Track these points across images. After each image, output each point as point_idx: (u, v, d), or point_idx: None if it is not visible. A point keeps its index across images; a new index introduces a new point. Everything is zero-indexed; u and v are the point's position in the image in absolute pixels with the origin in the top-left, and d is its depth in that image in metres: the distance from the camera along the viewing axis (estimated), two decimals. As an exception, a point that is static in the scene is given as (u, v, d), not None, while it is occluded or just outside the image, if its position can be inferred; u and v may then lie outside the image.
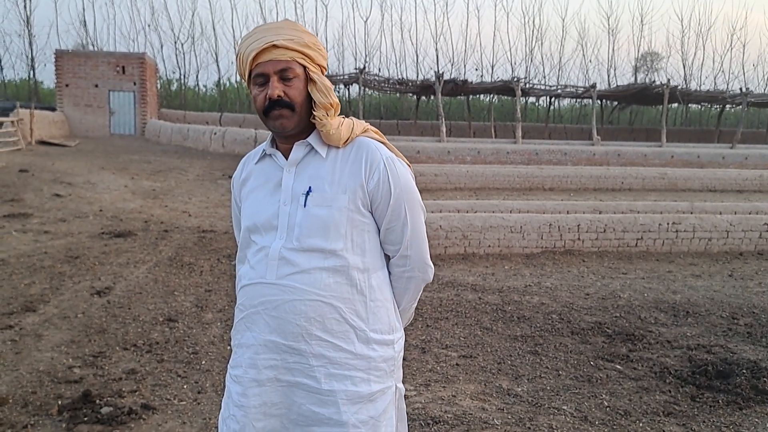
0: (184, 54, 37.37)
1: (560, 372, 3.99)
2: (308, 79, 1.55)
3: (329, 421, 1.53)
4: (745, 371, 3.96)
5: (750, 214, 9.54)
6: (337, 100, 1.59)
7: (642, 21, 45.50)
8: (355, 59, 33.49)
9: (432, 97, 27.17)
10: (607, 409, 3.46)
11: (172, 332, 4.49)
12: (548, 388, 3.73)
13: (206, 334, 4.49)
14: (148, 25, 38.55)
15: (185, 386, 3.60)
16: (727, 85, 31.95)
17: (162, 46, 34.63)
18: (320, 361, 1.54)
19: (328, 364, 1.54)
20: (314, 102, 1.55)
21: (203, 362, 3.97)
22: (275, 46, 1.50)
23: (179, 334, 4.45)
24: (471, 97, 28.33)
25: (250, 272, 1.61)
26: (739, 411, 3.46)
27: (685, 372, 4.01)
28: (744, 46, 41.11)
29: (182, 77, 33.46)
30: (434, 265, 1.73)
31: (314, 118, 1.55)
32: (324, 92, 1.55)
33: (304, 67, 1.55)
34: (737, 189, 14.79)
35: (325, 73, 1.64)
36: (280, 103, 1.52)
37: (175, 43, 33.12)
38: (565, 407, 3.46)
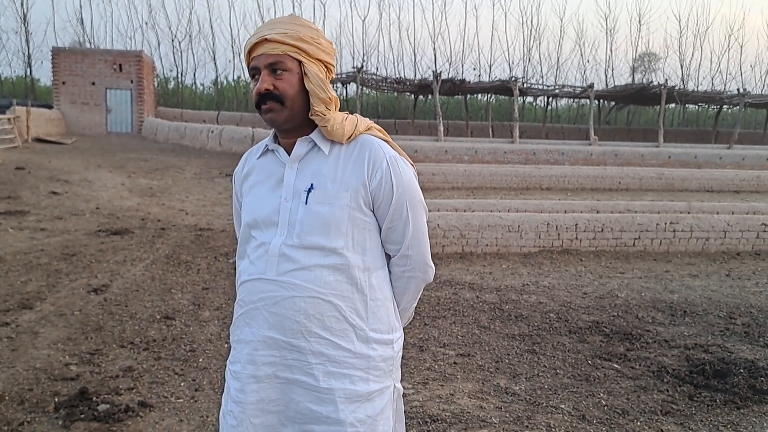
0: (181, 52, 37.31)
1: (558, 371, 3.99)
2: (303, 74, 1.53)
3: (327, 419, 1.53)
4: (742, 371, 3.97)
5: (747, 214, 9.56)
6: (335, 95, 1.57)
7: (640, 21, 45.54)
8: (353, 58, 33.53)
9: (430, 97, 27.17)
10: (605, 408, 3.46)
11: (169, 330, 4.47)
12: (546, 386, 3.73)
13: (203, 331, 4.47)
14: (146, 23, 38.52)
15: (182, 384, 3.59)
16: (725, 85, 32.09)
17: (159, 44, 34.65)
18: (319, 358, 1.53)
19: (327, 362, 1.53)
20: (312, 97, 1.54)
21: (200, 360, 3.95)
22: (267, 40, 1.50)
23: (176, 332, 4.43)
24: (469, 96, 28.34)
25: (250, 268, 1.60)
26: (737, 410, 3.47)
27: (682, 371, 4.01)
28: (741, 47, 41.03)
29: (179, 75, 33.48)
30: (433, 264, 1.72)
31: (314, 114, 1.54)
32: (319, 86, 1.53)
33: (301, 62, 1.52)
34: (734, 189, 14.83)
35: (333, 69, 1.60)
36: (268, 96, 1.51)
37: (173, 41, 33.16)
38: (562, 406, 3.46)
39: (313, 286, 1.52)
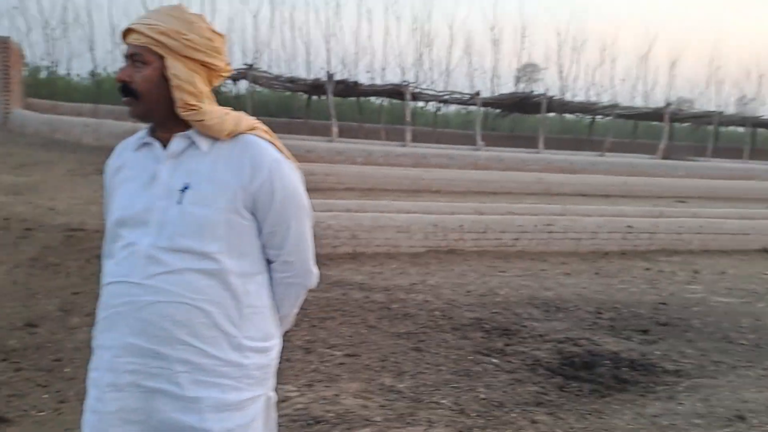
0: (54, 40, 34.50)
1: (441, 367, 4.10)
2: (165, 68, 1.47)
3: (193, 429, 1.45)
4: (607, 362, 4.29)
5: (615, 217, 10.33)
6: (203, 88, 1.51)
7: (523, 33, 47.91)
8: (244, 55, 32.56)
9: (323, 97, 27.10)
10: (483, 401, 3.59)
11: (32, 338, 4.12)
12: (429, 383, 3.81)
13: (71, 339, 4.15)
14: (14, 8, 35.11)
15: (45, 396, 3.31)
16: (599, 97, 34.46)
17: (29, 31, 31.69)
18: (185, 366, 1.45)
19: (194, 370, 1.46)
20: (177, 91, 1.47)
21: (67, 369, 3.67)
22: (131, 31, 1.46)
23: (40, 340, 4.09)
24: (362, 99, 28.57)
25: (115, 269, 1.50)
26: (601, 399, 3.73)
27: (554, 364, 4.26)
28: (614, 61, 44.40)
29: (53, 65, 30.92)
30: (322, 264, 1.70)
31: (184, 109, 1.46)
32: (187, 82, 1.46)
33: (163, 57, 1.46)
34: (604, 194, 15.98)
35: (215, 66, 1.52)
36: (126, 88, 1.47)
37: (45, 28, 30.53)
38: (444, 401, 3.55)
39: (181, 291, 1.44)
